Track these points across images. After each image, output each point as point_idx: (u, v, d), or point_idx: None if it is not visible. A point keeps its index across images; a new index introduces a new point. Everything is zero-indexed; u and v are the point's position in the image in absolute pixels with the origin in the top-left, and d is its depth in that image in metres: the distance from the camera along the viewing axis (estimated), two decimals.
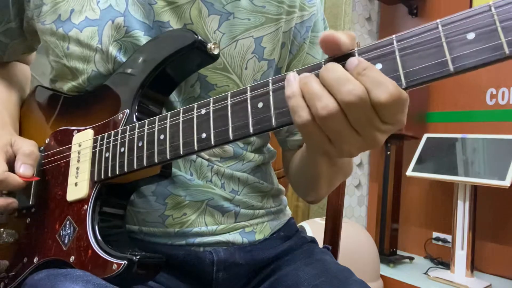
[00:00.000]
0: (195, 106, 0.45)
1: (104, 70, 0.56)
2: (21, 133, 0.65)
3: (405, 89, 0.34)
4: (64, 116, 0.60)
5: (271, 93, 0.40)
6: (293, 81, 0.37)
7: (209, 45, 0.50)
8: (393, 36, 0.35)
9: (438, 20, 0.33)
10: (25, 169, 0.54)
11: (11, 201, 0.54)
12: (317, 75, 0.37)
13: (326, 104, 0.35)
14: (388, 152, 2.31)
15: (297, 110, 0.36)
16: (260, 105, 0.40)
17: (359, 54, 0.36)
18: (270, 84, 0.40)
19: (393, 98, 0.33)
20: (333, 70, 0.35)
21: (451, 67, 0.32)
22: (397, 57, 0.34)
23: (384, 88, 0.33)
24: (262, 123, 0.40)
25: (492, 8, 0.31)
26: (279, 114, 0.39)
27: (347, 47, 0.36)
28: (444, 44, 0.33)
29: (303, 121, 0.36)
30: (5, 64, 0.70)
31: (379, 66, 0.35)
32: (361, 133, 0.36)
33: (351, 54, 0.36)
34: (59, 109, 0.62)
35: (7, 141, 0.56)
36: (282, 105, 0.39)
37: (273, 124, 0.39)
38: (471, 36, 0.31)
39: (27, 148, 0.55)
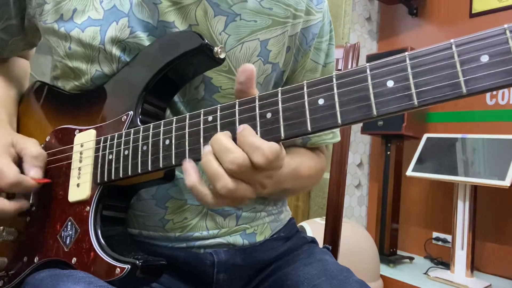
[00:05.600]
0: (202, 112, 0.44)
1: (108, 70, 0.55)
2: (20, 130, 0.64)
3: (416, 108, 0.34)
4: (64, 114, 0.60)
5: (280, 104, 0.40)
6: (190, 168, 0.43)
7: (216, 49, 0.50)
8: (406, 53, 0.35)
9: (452, 40, 0.33)
10: (35, 171, 0.54)
11: (23, 203, 0.54)
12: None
13: (225, 183, 0.40)
14: (388, 152, 2.31)
15: (203, 197, 0.42)
16: (268, 115, 0.40)
17: (371, 70, 0.36)
18: (280, 95, 0.40)
19: (268, 160, 0.39)
20: (217, 141, 0.40)
21: (464, 89, 0.32)
22: (410, 75, 0.34)
23: (260, 152, 0.38)
24: (270, 134, 0.39)
25: (507, 32, 0.31)
26: (289, 126, 0.39)
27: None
28: (458, 65, 0.32)
29: (211, 204, 0.42)
30: (4, 59, 0.70)
31: (390, 83, 0.35)
32: (251, 184, 0.41)
33: (362, 70, 0.37)
34: (59, 106, 0.61)
35: (8, 141, 0.55)
36: (291, 116, 0.39)
37: (282, 135, 0.39)
38: (485, 58, 0.31)
39: (34, 149, 0.54)
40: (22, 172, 0.53)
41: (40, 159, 0.55)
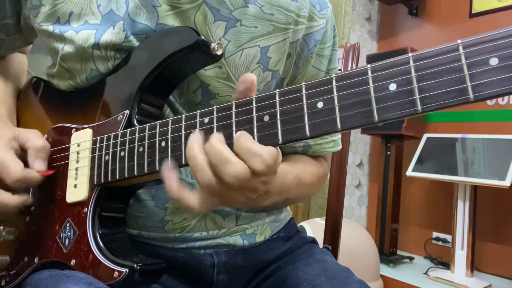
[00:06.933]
0: (198, 114, 0.43)
1: (103, 68, 0.55)
2: (18, 126, 0.63)
3: (420, 114, 0.32)
4: (61, 111, 0.59)
5: (278, 106, 0.38)
6: (173, 179, 0.41)
7: (213, 45, 0.48)
8: (410, 54, 0.33)
9: (459, 41, 0.31)
10: (40, 164, 0.53)
11: (26, 198, 0.54)
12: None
13: (210, 183, 0.39)
14: (388, 152, 2.31)
15: (190, 207, 0.41)
16: (266, 118, 0.39)
17: (372, 72, 0.34)
18: (277, 97, 0.38)
19: (268, 166, 0.37)
20: (215, 150, 0.38)
21: (471, 95, 0.30)
22: (414, 78, 0.32)
23: (260, 159, 0.37)
24: (268, 139, 0.38)
25: None
26: (286, 130, 0.37)
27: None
28: (465, 68, 0.30)
29: (198, 211, 0.41)
30: (1, 56, 0.69)
31: (393, 86, 0.33)
32: (245, 191, 0.40)
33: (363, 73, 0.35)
34: (56, 103, 0.61)
35: (10, 135, 0.55)
36: (289, 120, 0.37)
37: (280, 140, 0.38)
38: (494, 61, 0.29)
39: (38, 141, 0.54)
40: (25, 164, 0.53)
41: (45, 151, 0.54)
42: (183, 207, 0.42)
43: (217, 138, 0.39)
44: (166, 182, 0.41)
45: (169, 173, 0.42)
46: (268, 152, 0.37)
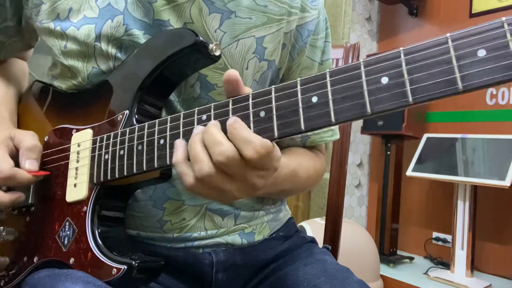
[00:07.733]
0: (196, 111, 0.44)
1: (105, 67, 0.55)
2: (19, 129, 0.64)
3: (411, 105, 0.33)
4: (62, 113, 0.60)
5: (273, 102, 0.39)
6: (180, 146, 0.42)
7: (211, 46, 0.49)
8: (401, 48, 0.34)
9: (448, 34, 0.32)
10: (30, 164, 0.53)
11: (19, 195, 0.54)
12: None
13: (201, 166, 0.39)
14: (388, 152, 2.31)
15: (183, 176, 0.42)
16: (262, 114, 0.40)
17: (365, 66, 0.35)
18: (273, 93, 0.39)
19: (260, 155, 0.38)
20: (209, 132, 0.40)
21: (460, 86, 0.31)
22: (404, 71, 0.33)
23: (252, 146, 0.38)
24: (264, 133, 0.39)
25: (505, 25, 0.30)
26: (282, 125, 0.39)
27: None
28: (454, 60, 0.31)
29: (189, 185, 0.41)
30: (2, 60, 0.70)
31: (385, 79, 0.34)
32: (239, 181, 0.40)
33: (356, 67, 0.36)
34: (57, 105, 0.61)
35: (6, 135, 0.55)
36: (285, 114, 0.38)
37: (276, 134, 0.39)
38: (482, 53, 0.30)
39: (29, 142, 0.54)
40: (19, 165, 0.53)
41: (35, 151, 0.54)
42: (179, 176, 0.42)
43: (213, 123, 0.41)
44: (174, 150, 0.43)
45: (180, 142, 0.43)
46: (260, 141, 0.38)
